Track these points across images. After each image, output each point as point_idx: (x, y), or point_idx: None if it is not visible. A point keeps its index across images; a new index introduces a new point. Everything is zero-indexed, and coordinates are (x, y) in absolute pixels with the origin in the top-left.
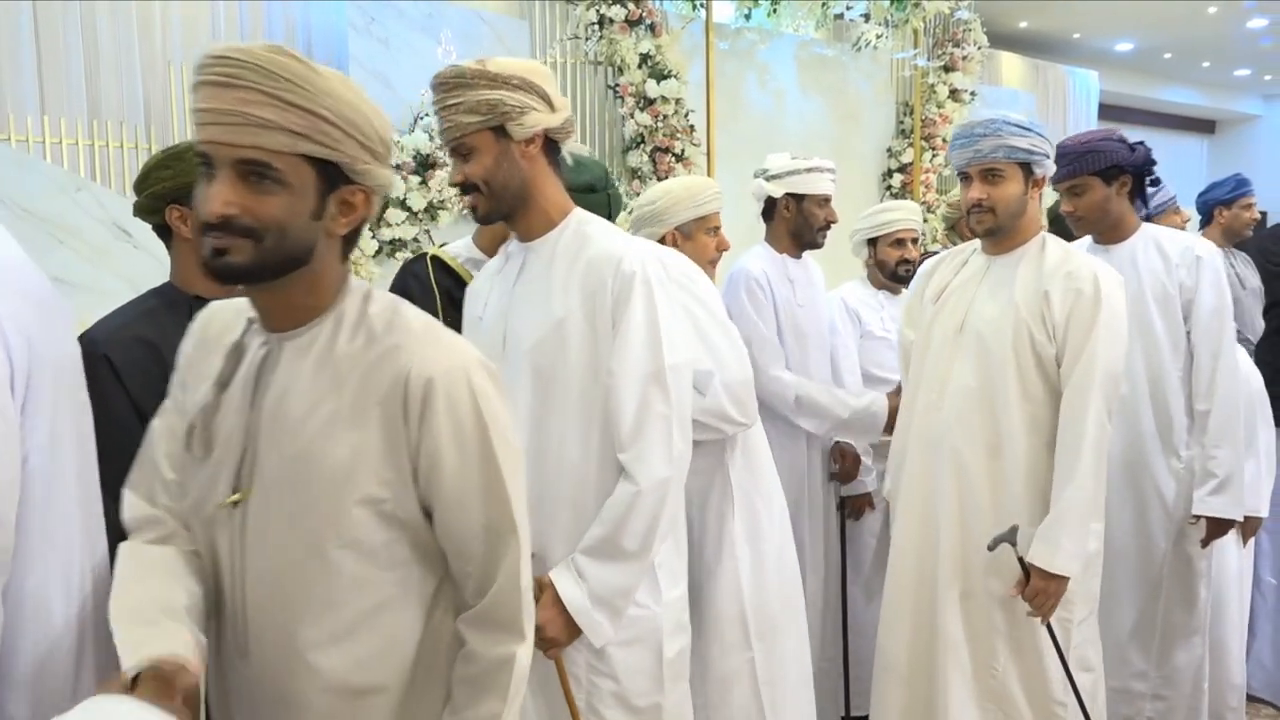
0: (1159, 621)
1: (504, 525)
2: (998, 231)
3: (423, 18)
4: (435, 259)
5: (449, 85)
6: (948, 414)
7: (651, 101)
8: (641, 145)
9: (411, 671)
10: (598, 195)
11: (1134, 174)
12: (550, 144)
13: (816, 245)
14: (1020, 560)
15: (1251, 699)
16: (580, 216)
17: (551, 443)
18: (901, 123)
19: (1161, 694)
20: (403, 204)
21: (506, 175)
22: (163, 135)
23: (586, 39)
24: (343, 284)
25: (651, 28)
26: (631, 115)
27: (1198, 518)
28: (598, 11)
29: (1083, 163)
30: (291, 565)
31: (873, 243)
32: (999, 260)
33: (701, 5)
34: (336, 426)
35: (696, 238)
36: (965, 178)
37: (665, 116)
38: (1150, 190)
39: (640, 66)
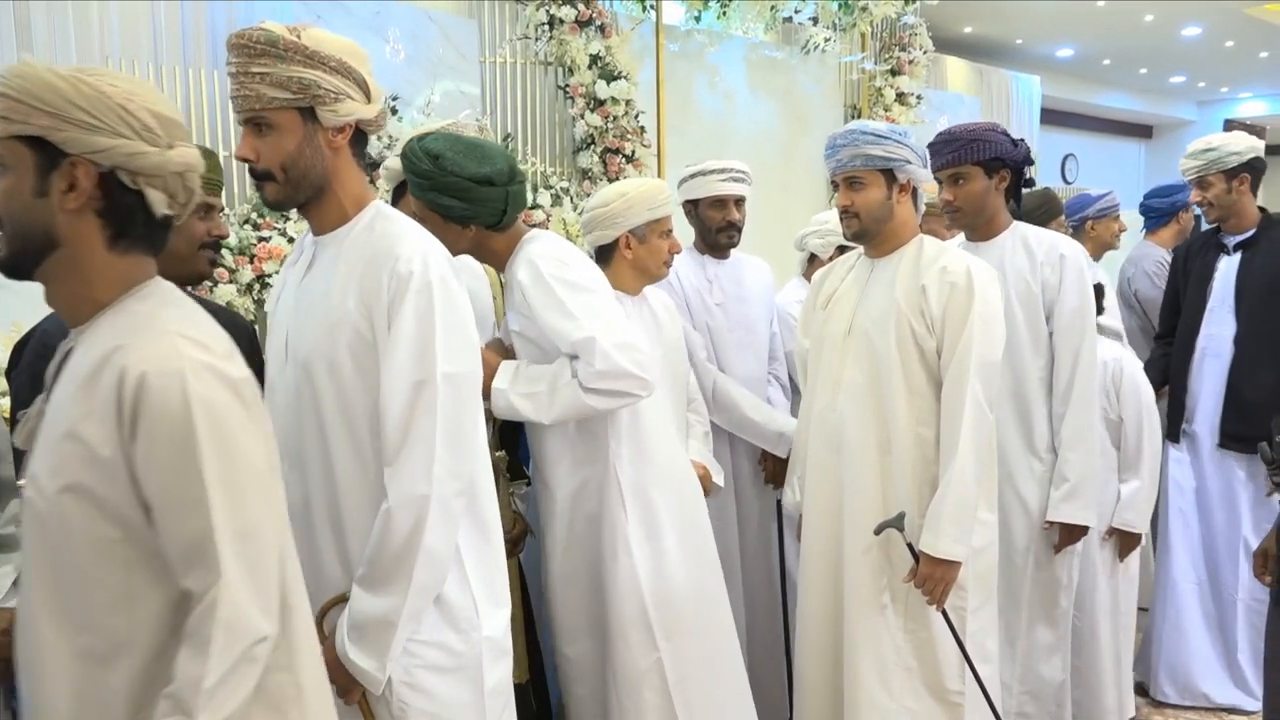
0: (1022, 628)
1: (207, 549)
2: (864, 235)
3: (370, 16)
4: None
5: (256, 50)
6: (842, 413)
7: (602, 102)
8: (592, 146)
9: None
10: (494, 190)
11: (1014, 170)
12: (359, 134)
13: (723, 246)
14: (910, 547)
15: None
16: (378, 211)
17: (320, 454)
18: None
19: (1025, 711)
20: None
21: (308, 163)
22: None
23: (536, 39)
24: (126, 279)
25: (601, 29)
26: (582, 116)
27: (1051, 523)
28: (547, 12)
29: (967, 151)
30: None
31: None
32: (880, 263)
33: (651, 7)
34: (77, 423)
35: (650, 241)
36: (835, 185)
37: (616, 118)
38: (1094, 194)
39: (590, 67)
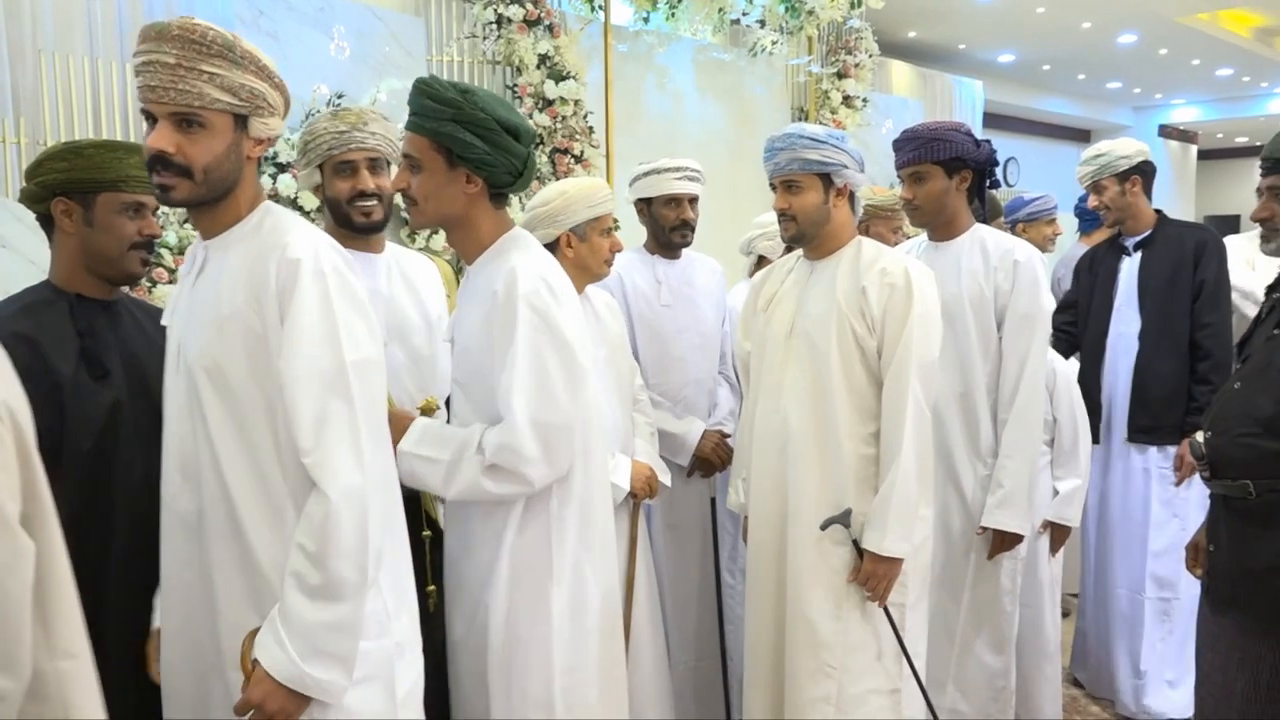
0: (960, 627)
1: None
2: (802, 238)
3: (314, 12)
4: None
5: (211, 50)
6: (785, 414)
7: (550, 102)
8: (540, 146)
9: None
10: (518, 146)
11: (976, 171)
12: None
13: (675, 245)
14: (855, 544)
15: None
16: (268, 209)
17: (211, 462)
18: None
19: (958, 709)
20: (293, 203)
21: (229, 169)
22: (33, 128)
23: (484, 38)
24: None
25: (550, 28)
26: (530, 116)
27: (985, 529)
28: (495, 11)
29: (928, 149)
30: None
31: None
32: (819, 265)
33: (600, 7)
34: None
35: (591, 239)
36: (774, 188)
37: (564, 118)
38: (1029, 197)
39: (539, 67)
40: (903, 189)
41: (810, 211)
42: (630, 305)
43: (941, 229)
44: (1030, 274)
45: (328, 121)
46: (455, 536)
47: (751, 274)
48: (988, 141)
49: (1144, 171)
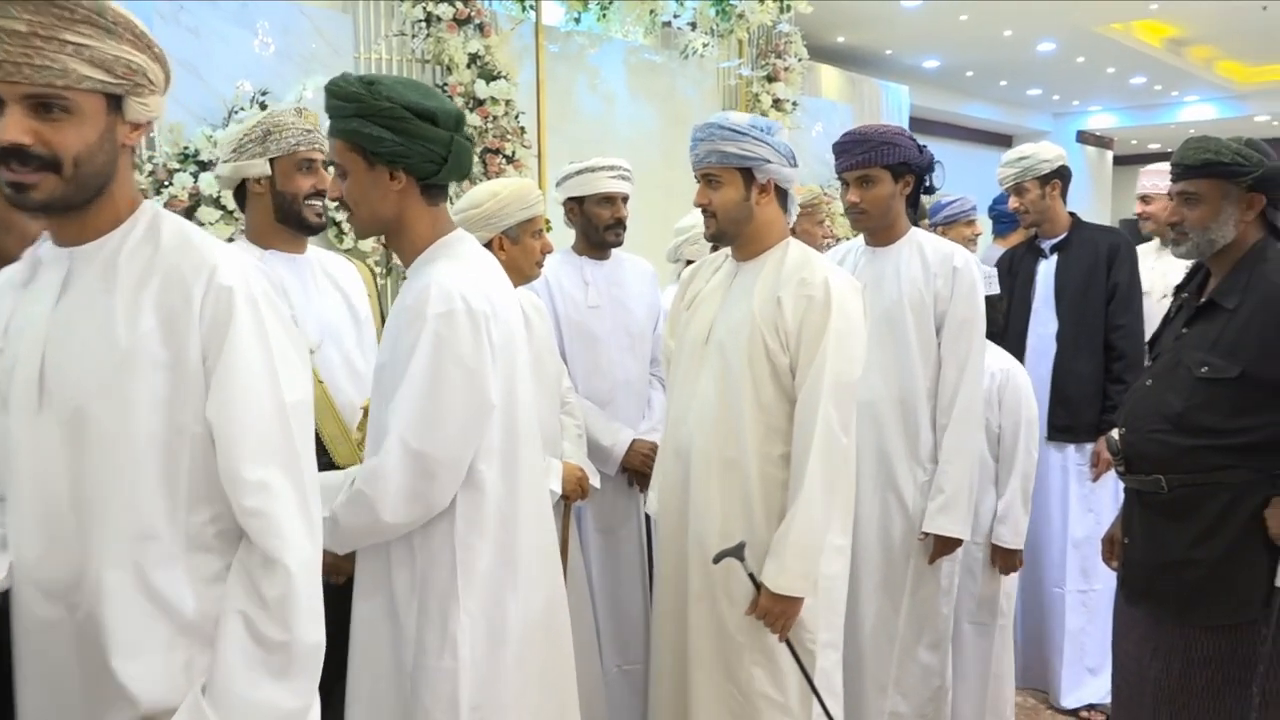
0: (900, 631)
1: None
2: (723, 236)
3: (237, 8)
4: None
5: (76, 15)
6: (691, 426)
7: (481, 102)
8: (471, 146)
9: None
10: (436, 131)
11: (917, 177)
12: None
13: (608, 245)
14: (751, 577)
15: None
16: (156, 213)
17: (102, 517)
18: None
19: (898, 711)
20: (215, 201)
21: (104, 159)
22: None
23: (413, 36)
24: None
25: (480, 27)
26: None
27: (926, 534)
28: (425, 9)
29: (878, 153)
30: None
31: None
32: (745, 267)
33: (531, 7)
34: None
35: (523, 241)
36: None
37: (495, 118)
38: (947, 199)
39: (469, 66)
40: (848, 192)
41: (730, 208)
42: (557, 307)
43: (882, 233)
44: (969, 279)
45: (294, 117)
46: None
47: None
48: (926, 147)
49: (1063, 176)
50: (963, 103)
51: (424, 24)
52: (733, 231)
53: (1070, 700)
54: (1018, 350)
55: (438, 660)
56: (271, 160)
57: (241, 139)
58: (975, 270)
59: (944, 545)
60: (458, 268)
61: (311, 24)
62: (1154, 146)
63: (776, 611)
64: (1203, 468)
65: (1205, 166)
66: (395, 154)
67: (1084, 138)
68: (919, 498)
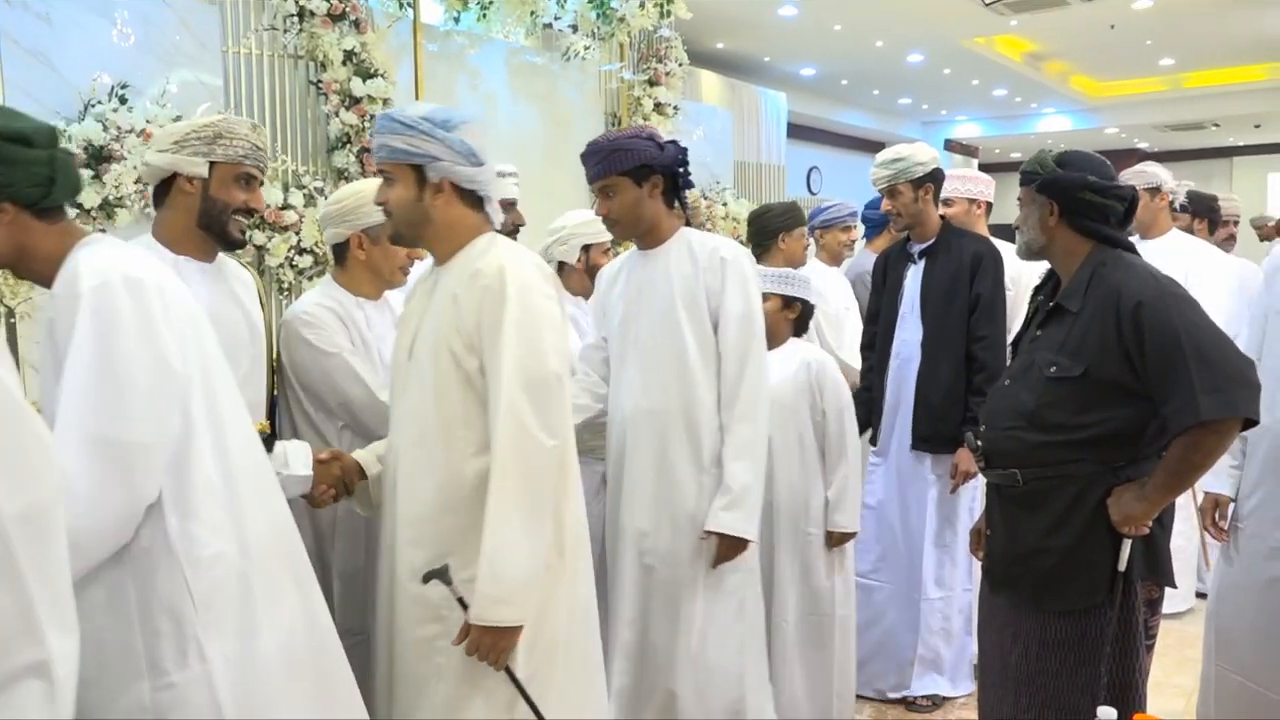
0: (694, 642)
1: None
2: (401, 239)
3: None
4: None
5: None
6: (396, 449)
7: (358, 100)
8: (348, 145)
9: None
10: (33, 152)
11: (666, 174)
12: None
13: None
14: (460, 601)
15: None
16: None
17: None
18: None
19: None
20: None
21: None
22: None
23: (285, 31)
24: None
25: (356, 24)
26: (336, 114)
27: (709, 533)
28: (297, 3)
29: (610, 162)
30: None
31: (586, 249)
32: (441, 273)
33: (408, 4)
34: None
35: (384, 242)
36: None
37: (372, 116)
38: (825, 204)
39: (345, 64)
40: (596, 206)
41: (403, 207)
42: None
43: (647, 237)
44: (739, 271)
45: (248, 130)
46: None
47: (576, 273)
48: (673, 142)
49: (936, 180)
50: (838, 110)
51: (296, 18)
52: (409, 234)
53: (916, 689)
54: (883, 358)
55: (181, 672)
56: (212, 164)
57: (188, 134)
58: (746, 263)
59: (729, 547)
60: (103, 249)
61: (175, 15)
62: (1016, 156)
63: (486, 644)
64: (1053, 461)
65: (1022, 175)
66: None
67: (951, 146)
68: (705, 503)
